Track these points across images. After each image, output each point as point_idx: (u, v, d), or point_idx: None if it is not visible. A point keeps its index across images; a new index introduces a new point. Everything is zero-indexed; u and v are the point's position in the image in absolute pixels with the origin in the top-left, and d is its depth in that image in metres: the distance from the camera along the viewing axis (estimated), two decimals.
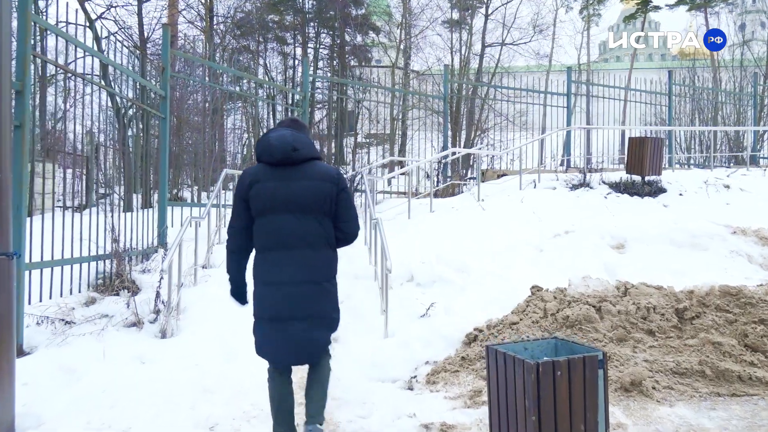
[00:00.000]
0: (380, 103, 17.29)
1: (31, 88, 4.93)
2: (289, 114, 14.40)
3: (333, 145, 15.69)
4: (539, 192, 10.57)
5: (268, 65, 23.28)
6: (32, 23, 4.90)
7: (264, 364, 3.43)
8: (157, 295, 5.77)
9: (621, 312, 5.40)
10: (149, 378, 4.61)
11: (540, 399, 2.76)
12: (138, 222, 7.32)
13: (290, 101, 13.65)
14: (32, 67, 5.06)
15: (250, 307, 3.43)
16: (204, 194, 11.34)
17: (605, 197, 10.02)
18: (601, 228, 8.05)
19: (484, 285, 6.51)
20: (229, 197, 8.64)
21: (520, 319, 5.47)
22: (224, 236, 5.80)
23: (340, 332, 5.79)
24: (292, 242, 3.18)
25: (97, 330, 5.28)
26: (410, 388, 4.72)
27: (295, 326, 3.17)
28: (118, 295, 6.06)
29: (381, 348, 5.35)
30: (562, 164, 14.81)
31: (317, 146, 15.08)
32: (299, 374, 3.76)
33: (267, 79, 20.07)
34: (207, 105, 12.71)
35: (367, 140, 19.67)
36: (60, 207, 6.95)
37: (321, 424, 3.38)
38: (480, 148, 16.05)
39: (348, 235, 3.37)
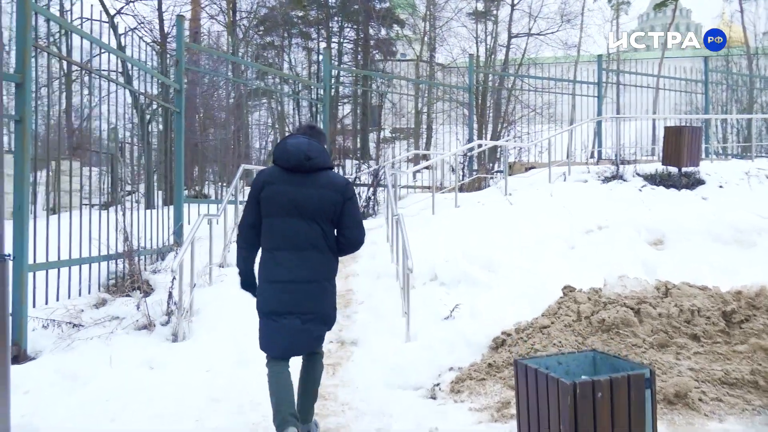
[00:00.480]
0: (404, 94, 16.94)
1: (32, 80, 4.70)
2: (313, 108, 14.18)
3: (358, 139, 15.42)
4: (570, 185, 10.14)
5: (292, 61, 23.10)
6: (32, 12, 4.66)
7: None
8: (170, 295, 5.55)
9: (662, 315, 4.98)
10: (158, 384, 4.41)
11: (578, 425, 2.39)
12: (153, 220, 7.11)
13: (315, 96, 13.44)
14: (34, 59, 4.82)
15: None
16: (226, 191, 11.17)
17: (640, 190, 9.54)
18: (636, 222, 7.60)
19: (512, 282, 6.12)
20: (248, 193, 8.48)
21: (552, 323, 5.09)
22: None
23: (359, 334, 5.56)
24: (300, 244, 3.32)
25: (106, 333, 5.07)
26: (433, 397, 4.39)
27: (293, 320, 3.29)
28: (129, 296, 5.84)
29: (402, 352, 5.03)
30: (592, 156, 14.30)
31: (341, 141, 14.99)
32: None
33: (292, 73, 19.87)
34: (229, 101, 12.53)
35: (393, 135, 19.33)
36: (86, 205, 6.69)
37: (310, 421, 3.56)
38: (507, 140, 15.56)
39: (352, 241, 3.48)
